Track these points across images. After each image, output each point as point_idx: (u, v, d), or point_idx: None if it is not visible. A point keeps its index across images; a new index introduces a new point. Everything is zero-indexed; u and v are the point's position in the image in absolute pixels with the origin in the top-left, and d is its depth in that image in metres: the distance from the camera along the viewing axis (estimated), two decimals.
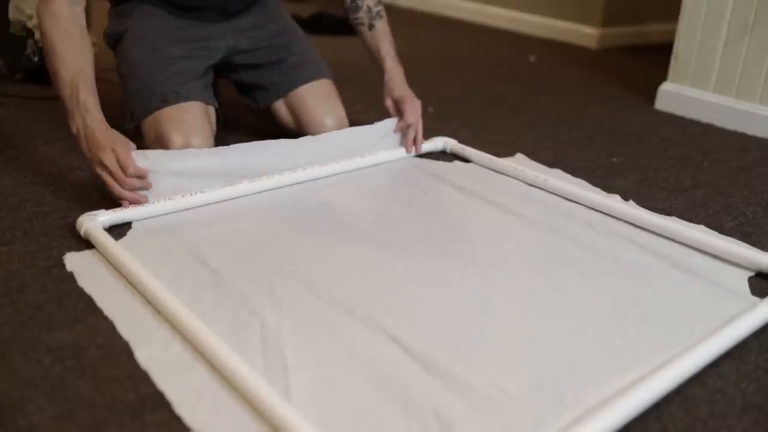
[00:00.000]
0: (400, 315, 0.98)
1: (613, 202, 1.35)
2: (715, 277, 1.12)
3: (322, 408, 0.80)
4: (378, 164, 1.52)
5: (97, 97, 1.22)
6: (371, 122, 1.55)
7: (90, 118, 1.19)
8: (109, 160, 1.17)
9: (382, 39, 1.54)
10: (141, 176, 1.21)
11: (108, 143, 1.18)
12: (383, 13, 1.56)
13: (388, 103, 1.54)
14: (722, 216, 1.37)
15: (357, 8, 1.54)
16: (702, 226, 1.30)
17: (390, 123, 1.54)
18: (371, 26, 1.54)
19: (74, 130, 1.20)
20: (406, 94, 1.53)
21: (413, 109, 1.52)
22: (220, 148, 1.33)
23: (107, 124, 1.21)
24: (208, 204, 1.29)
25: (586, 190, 1.41)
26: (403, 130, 1.55)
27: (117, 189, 1.19)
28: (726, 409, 0.84)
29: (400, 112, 1.53)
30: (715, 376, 0.89)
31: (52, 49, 1.21)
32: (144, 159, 1.22)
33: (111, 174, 1.18)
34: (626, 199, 1.41)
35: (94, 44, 2.03)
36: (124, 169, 1.18)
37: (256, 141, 1.38)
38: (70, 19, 1.23)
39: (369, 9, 1.53)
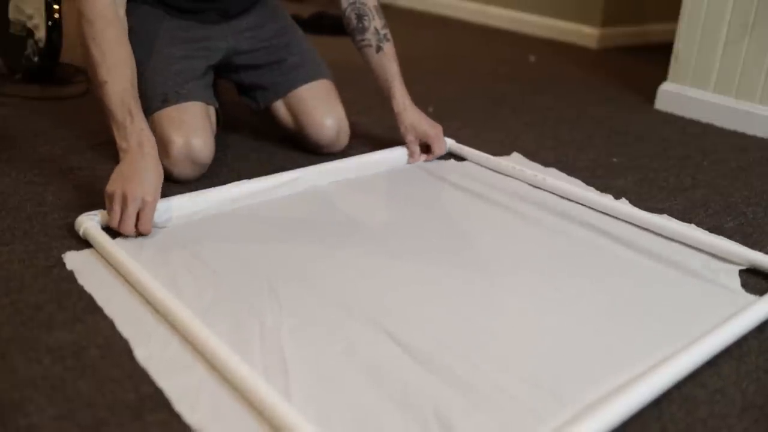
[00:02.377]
0: (399, 314, 0.98)
1: (608, 200, 1.35)
2: (709, 275, 1.12)
3: (321, 407, 0.80)
4: (376, 163, 1.52)
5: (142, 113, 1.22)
6: (370, 122, 1.55)
7: (149, 144, 1.18)
8: (132, 205, 1.11)
9: (390, 63, 1.51)
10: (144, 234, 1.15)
11: (142, 191, 1.11)
12: (390, 36, 1.53)
13: (411, 139, 1.52)
14: (722, 216, 1.37)
15: (363, 29, 1.49)
16: (693, 225, 1.30)
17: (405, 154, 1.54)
18: (379, 48, 1.50)
19: (124, 145, 1.18)
20: (428, 126, 1.52)
21: (439, 140, 1.53)
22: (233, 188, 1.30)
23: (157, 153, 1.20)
24: (209, 203, 1.28)
25: (581, 189, 1.41)
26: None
27: (114, 225, 1.13)
28: (726, 409, 0.84)
29: (425, 147, 1.54)
30: (715, 376, 0.89)
31: (100, 58, 1.19)
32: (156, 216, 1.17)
33: (123, 216, 1.12)
34: (618, 198, 1.41)
35: None
36: (138, 224, 1.12)
37: (267, 176, 1.36)
38: (116, 21, 1.23)
39: (376, 31, 1.49)
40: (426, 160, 1.56)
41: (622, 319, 1.00)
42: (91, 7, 1.21)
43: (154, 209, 1.14)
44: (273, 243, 1.17)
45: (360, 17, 1.50)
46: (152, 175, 1.16)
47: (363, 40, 1.52)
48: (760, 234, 1.30)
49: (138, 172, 1.15)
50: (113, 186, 1.14)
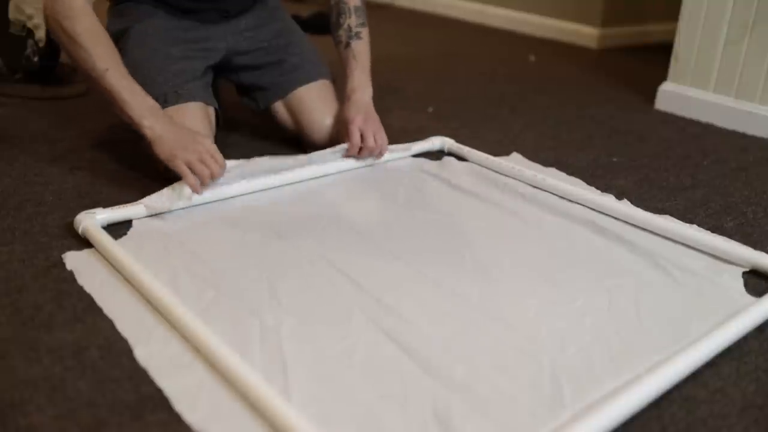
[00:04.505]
0: (399, 314, 0.98)
1: (609, 201, 1.35)
2: (711, 276, 1.12)
3: (320, 406, 0.80)
4: (375, 163, 1.52)
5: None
6: None
7: (164, 113, 1.27)
8: (203, 147, 1.23)
9: (352, 59, 1.52)
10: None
11: (197, 134, 1.25)
12: (363, 35, 1.55)
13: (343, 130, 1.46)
14: (722, 216, 1.37)
15: (339, 26, 1.55)
16: (695, 226, 1.30)
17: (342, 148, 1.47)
18: (347, 45, 1.54)
19: (146, 122, 1.24)
20: (352, 115, 1.44)
21: (360, 128, 1.43)
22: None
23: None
24: (208, 203, 1.29)
25: (582, 189, 1.41)
26: (352, 152, 1.45)
27: (204, 174, 1.23)
28: (726, 409, 0.84)
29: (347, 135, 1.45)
30: (715, 376, 0.89)
31: (94, 50, 1.22)
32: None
33: (205, 165, 1.22)
34: (620, 198, 1.41)
35: None
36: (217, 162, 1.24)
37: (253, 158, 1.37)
38: (94, 15, 1.25)
39: (349, 28, 1.54)
40: (356, 155, 1.46)
41: (622, 319, 1.00)
42: (69, 6, 1.22)
43: (213, 143, 1.26)
44: (273, 243, 1.17)
45: (339, 15, 1.55)
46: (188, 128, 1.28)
47: (337, 36, 1.56)
48: (760, 234, 1.30)
49: (180, 129, 1.26)
50: (174, 152, 1.23)
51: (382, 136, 1.47)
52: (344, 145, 1.45)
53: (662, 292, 1.07)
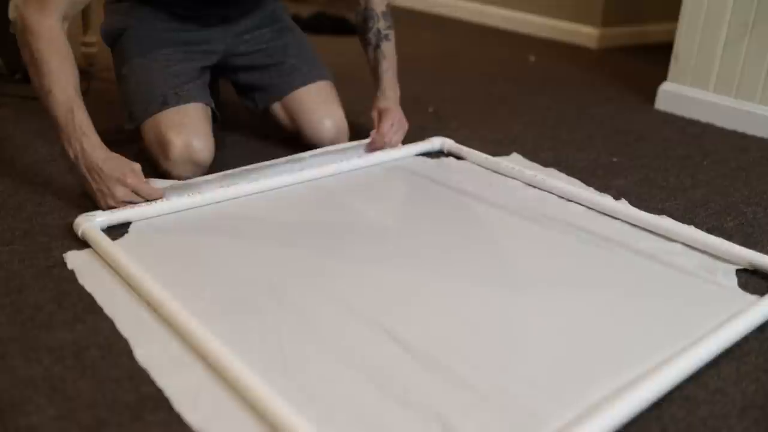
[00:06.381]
0: (399, 314, 0.98)
1: (608, 201, 1.35)
2: (709, 276, 1.12)
3: (321, 406, 0.80)
4: (376, 164, 1.52)
5: (90, 119, 1.23)
6: (371, 122, 1.56)
7: (88, 143, 1.20)
8: (124, 193, 1.21)
9: (384, 59, 1.58)
10: (160, 197, 1.25)
11: (116, 173, 1.20)
12: (391, 37, 1.59)
13: (374, 113, 1.56)
14: (722, 216, 1.37)
15: (368, 29, 1.58)
16: (692, 227, 1.30)
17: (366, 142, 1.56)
18: (377, 46, 1.58)
19: (72, 154, 1.21)
20: (392, 106, 1.55)
21: (393, 121, 1.54)
22: (224, 174, 1.36)
23: (106, 148, 1.22)
24: (207, 204, 1.29)
25: (581, 189, 1.41)
26: (376, 141, 1.54)
27: (111, 198, 1.22)
28: (726, 409, 0.84)
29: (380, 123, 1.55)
30: (715, 376, 0.89)
31: (45, 67, 1.20)
32: (161, 182, 1.28)
33: (130, 203, 1.22)
34: (619, 198, 1.41)
35: (94, 44, 2.03)
36: (146, 197, 1.23)
37: (257, 164, 1.40)
38: (62, 37, 1.23)
39: (378, 31, 1.57)
40: (375, 144, 1.54)
41: (622, 319, 1.00)
42: (37, 23, 1.21)
43: (140, 179, 1.22)
44: (273, 243, 1.17)
45: (366, 20, 1.57)
46: (105, 158, 1.21)
47: (366, 38, 1.59)
48: (760, 234, 1.30)
49: (96, 168, 1.20)
50: (102, 199, 1.21)
51: (401, 137, 1.58)
52: (365, 141, 1.55)
53: (662, 292, 1.07)
